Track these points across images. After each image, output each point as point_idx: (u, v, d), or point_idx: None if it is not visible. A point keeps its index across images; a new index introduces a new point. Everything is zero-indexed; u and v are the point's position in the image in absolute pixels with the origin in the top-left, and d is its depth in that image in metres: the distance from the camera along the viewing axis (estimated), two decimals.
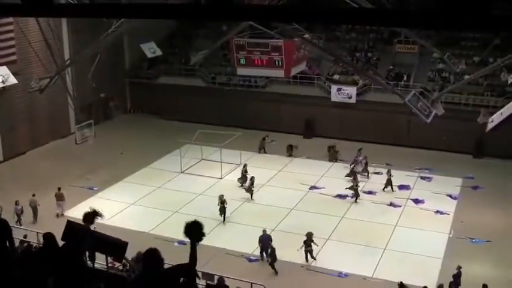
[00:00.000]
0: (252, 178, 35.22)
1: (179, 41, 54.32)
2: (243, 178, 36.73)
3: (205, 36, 51.27)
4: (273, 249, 27.02)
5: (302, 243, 27.54)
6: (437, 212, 32.92)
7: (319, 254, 28.14)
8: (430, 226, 31.29)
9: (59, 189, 33.70)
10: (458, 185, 36.70)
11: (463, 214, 32.62)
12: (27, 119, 42.99)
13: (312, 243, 27.66)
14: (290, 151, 42.34)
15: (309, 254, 27.68)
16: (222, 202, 31.76)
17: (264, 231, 28.69)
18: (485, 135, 36.45)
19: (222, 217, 31.89)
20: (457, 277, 24.53)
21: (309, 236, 27.76)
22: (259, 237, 28.38)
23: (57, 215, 32.79)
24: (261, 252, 28.34)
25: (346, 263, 27.30)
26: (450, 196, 34.98)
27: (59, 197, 33.48)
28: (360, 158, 38.01)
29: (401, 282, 22.66)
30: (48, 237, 9.66)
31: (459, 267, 24.73)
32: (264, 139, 43.14)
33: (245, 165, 37.53)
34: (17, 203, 30.09)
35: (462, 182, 37.14)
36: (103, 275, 14.75)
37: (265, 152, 42.85)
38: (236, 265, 26.59)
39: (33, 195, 32.75)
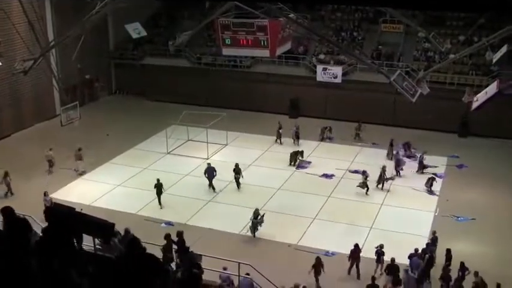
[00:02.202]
0: (365, 173, 33.47)
1: (164, 21, 54.05)
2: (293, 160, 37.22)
3: (190, 17, 51.05)
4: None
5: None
6: (430, 191, 32.98)
7: (306, 233, 28.33)
8: (416, 205, 31.53)
9: (79, 149, 35.93)
10: (444, 164, 36.95)
11: (449, 192, 32.87)
12: (12, 101, 42.68)
13: (241, 173, 33.61)
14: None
15: (237, 182, 33.72)
16: (257, 215, 28.33)
17: (209, 164, 33.95)
18: (470, 114, 36.72)
19: (253, 232, 28.39)
20: (432, 242, 25.38)
21: (237, 165, 33.87)
22: (205, 169, 33.60)
23: (79, 174, 35.63)
24: (209, 184, 33.41)
25: (333, 242, 27.43)
26: (435, 175, 35.17)
27: (78, 157, 35.85)
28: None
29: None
30: (6, 212, 8.91)
31: (434, 233, 26.05)
32: (280, 128, 41.21)
33: (302, 152, 37.56)
34: (45, 194, 29.13)
35: (447, 160, 37.40)
36: (91, 257, 14.76)
37: (281, 143, 41.15)
38: (223, 245, 26.67)
39: (50, 149, 35.75)
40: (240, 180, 33.83)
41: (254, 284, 20.71)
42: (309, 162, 37.30)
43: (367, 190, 32.78)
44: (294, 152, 37.51)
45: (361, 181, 33.15)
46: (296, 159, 37.13)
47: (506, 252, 26.83)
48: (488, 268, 24.17)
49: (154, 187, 31.71)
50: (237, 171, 33.83)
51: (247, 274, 20.87)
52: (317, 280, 24.01)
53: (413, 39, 46.45)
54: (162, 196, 31.86)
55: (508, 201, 32.07)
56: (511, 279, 24.44)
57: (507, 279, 24.35)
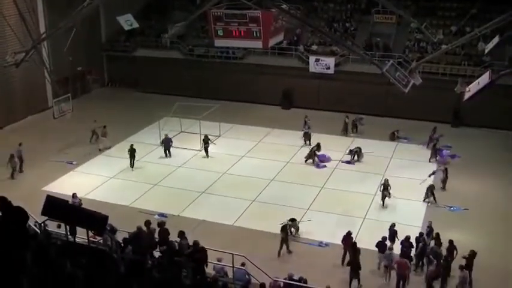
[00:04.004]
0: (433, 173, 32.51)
1: (155, 13, 53.84)
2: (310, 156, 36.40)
3: (182, 8, 50.88)
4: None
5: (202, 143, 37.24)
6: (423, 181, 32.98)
7: (300, 225, 28.35)
8: (409, 195, 31.54)
9: (105, 126, 38.72)
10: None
11: (441, 182, 32.88)
12: (3, 93, 42.48)
13: (210, 142, 37.20)
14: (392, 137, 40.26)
15: (205, 151, 37.20)
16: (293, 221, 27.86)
17: (166, 135, 37.46)
18: (463, 104, 36.78)
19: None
20: (426, 233, 25.58)
21: (206, 136, 37.13)
22: (162, 139, 37.46)
23: (99, 149, 38.11)
24: (165, 151, 37.22)
25: (326, 233, 27.47)
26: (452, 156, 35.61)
27: (103, 134, 38.48)
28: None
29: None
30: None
31: (430, 223, 26.20)
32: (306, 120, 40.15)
33: (318, 144, 36.60)
34: (74, 196, 27.97)
35: None
36: (84, 249, 14.75)
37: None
38: (217, 236, 26.68)
39: (95, 121, 39.77)
40: (209, 149, 37.34)
41: (247, 276, 20.73)
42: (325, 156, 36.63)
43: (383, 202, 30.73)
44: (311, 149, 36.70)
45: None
46: (312, 155, 36.21)
47: (498, 243, 26.95)
48: (480, 258, 24.32)
49: (128, 151, 35.49)
50: (206, 140, 37.08)
51: (243, 264, 20.93)
52: (286, 246, 25.84)
53: (405, 30, 46.49)
54: (135, 160, 35.72)
55: (501, 191, 32.25)
56: (502, 269, 24.65)
57: (498, 270, 24.57)
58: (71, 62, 47.12)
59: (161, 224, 22.49)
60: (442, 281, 22.94)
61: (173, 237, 21.76)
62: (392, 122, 41.44)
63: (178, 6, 52.27)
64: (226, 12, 30.46)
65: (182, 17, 45.32)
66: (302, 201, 30.95)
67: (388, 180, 30.66)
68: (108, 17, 49.80)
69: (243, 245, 24.88)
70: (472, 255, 23.31)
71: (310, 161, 36.07)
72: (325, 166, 35.58)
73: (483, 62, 41.09)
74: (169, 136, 37.74)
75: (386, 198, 30.48)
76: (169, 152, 37.41)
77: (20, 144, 35.36)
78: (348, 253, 24.78)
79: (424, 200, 30.84)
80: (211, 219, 29.11)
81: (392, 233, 25.64)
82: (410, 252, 24.31)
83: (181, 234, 21.65)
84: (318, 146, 36.42)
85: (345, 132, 40.93)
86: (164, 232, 22.13)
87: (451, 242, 24.11)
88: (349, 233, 25.22)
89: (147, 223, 22.16)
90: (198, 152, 37.68)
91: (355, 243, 24.24)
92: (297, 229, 27.48)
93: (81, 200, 27.38)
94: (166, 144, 37.32)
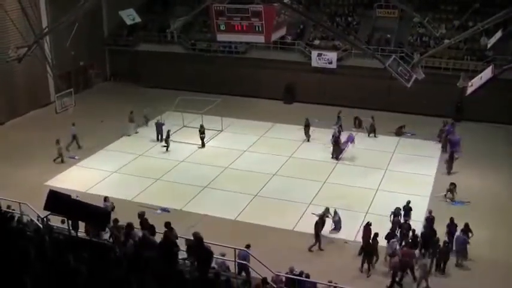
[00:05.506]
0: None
1: (158, 7, 53.75)
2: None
3: (184, 3, 50.83)
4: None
5: (198, 133, 37.81)
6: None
7: (302, 219, 28.37)
8: (411, 189, 31.47)
9: (131, 112, 40.39)
10: (439, 148, 37.00)
11: (444, 177, 32.90)
12: (6, 88, 42.47)
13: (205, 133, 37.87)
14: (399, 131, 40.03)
15: (202, 141, 37.89)
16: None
17: (159, 120, 39.68)
18: (465, 99, 36.71)
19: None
20: (429, 220, 26.26)
21: (202, 126, 37.80)
22: (155, 123, 39.24)
23: (128, 135, 39.85)
24: (157, 136, 38.92)
25: (329, 227, 27.45)
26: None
27: (130, 119, 40.25)
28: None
29: None
30: None
31: (430, 211, 26.78)
32: (307, 126, 39.16)
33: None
34: (106, 200, 27.65)
35: None
36: (86, 243, 14.81)
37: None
38: (219, 231, 26.67)
39: (131, 112, 40.77)
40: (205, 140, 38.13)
41: (250, 268, 20.80)
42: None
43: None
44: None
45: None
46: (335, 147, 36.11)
47: (500, 236, 26.98)
48: (482, 251, 24.39)
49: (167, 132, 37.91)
50: (202, 131, 37.74)
51: (247, 246, 21.20)
52: (318, 236, 25.95)
53: (408, 25, 46.37)
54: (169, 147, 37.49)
55: (503, 186, 32.27)
56: (504, 263, 24.67)
57: (500, 263, 24.58)
58: (73, 56, 47.11)
59: (141, 215, 22.06)
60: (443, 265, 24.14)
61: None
62: (394, 117, 41.37)
63: (180, 1, 52.16)
64: (228, 6, 30.42)
65: (184, 11, 45.31)
66: (304, 196, 30.95)
67: (399, 208, 27.52)
68: (110, 12, 49.87)
69: (245, 240, 24.89)
70: (468, 227, 24.81)
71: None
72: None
73: (486, 56, 41.02)
74: (162, 122, 39.36)
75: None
76: (161, 136, 38.64)
77: (73, 124, 37.28)
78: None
79: (443, 195, 30.90)
80: (213, 213, 29.14)
81: (407, 210, 26.87)
82: (408, 236, 24.90)
83: (168, 225, 21.36)
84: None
85: (373, 134, 39.81)
86: (145, 223, 21.78)
87: (451, 219, 25.37)
88: (368, 224, 25.33)
89: (115, 221, 21.42)
90: (200, 146, 37.73)
91: (376, 234, 24.50)
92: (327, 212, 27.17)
93: (113, 203, 27.28)
94: (158, 128, 38.80)
